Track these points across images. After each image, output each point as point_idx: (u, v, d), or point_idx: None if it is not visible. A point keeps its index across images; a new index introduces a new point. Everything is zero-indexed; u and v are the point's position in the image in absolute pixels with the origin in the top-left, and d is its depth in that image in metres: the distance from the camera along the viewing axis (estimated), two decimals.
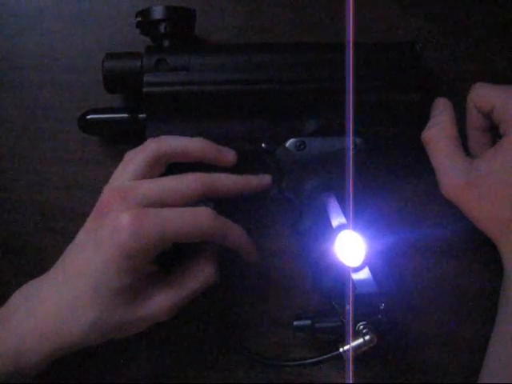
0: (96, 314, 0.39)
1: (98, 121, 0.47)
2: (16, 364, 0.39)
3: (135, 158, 0.42)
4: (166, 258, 0.42)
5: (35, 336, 0.39)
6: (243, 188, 0.44)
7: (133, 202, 0.40)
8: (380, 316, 0.43)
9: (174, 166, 0.44)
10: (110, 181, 0.43)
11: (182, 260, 0.43)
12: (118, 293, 0.39)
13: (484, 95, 0.44)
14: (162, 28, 0.45)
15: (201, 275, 0.42)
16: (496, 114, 0.43)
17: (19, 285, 0.42)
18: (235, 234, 0.43)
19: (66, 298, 0.39)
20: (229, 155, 0.44)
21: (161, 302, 0.41)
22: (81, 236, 0.42)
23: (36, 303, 0.40)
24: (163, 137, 0.44)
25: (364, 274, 0.43)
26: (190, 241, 0.41)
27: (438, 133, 0.44)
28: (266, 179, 0.45)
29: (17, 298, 0.41)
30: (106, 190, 0.42)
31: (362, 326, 0.43)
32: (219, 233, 0.41)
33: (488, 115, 0.44)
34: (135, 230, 0.38)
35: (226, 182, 0.43)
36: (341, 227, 0.44)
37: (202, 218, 0.40)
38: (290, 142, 0.45)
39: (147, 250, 0.39)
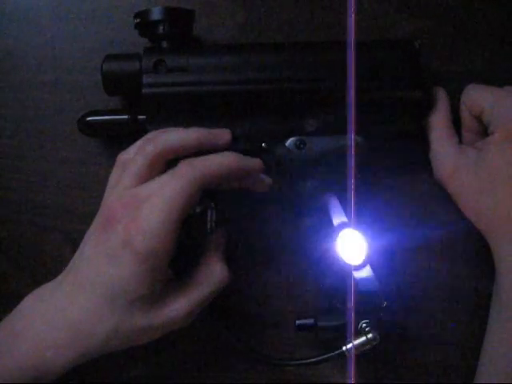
0: (113, 325, 0.39)
1: (97, 123, 0.46)
2: (35, 374, 0.39)
3: (135, 162, 0.41)
4: (176, 264, 0.41)
5: (55, 348, 0.39)
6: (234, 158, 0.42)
7: (137, 208, 0.39)
8: (382, 314, 0.43)
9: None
10: (109, 186, 0.42)
11: (192, 264, 0.43)
12: (134, 303, 0.39)
13: (474, 99, 0.45)
14: (160, 29, 0.45)
15: (214, 277, 0.42)
16: (485, 116, 0.44)
17: (19, 284, 0.42)
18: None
19: (83, 308, 0.39)
20: (224, 135, 0.43)
21: (178, 308, 0.40)
22: (89, 248, 0.40)
23: (53, 314, 0.40)
24: (157, 134, 0.42)
25: (366, 272, 0.43)
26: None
27: (435, 121, 0.46)
28: (258, 163, 0.43)
29: (29, 306, 0.41)
30: (108, 200, 0.41)
31: (364, 324, 0.43)
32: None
33: (479, 118, 0.45)
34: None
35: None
36: (342, 226, 0.44)
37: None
38: (289, 141, 0.45)
39: (165, 249, 0.39)
